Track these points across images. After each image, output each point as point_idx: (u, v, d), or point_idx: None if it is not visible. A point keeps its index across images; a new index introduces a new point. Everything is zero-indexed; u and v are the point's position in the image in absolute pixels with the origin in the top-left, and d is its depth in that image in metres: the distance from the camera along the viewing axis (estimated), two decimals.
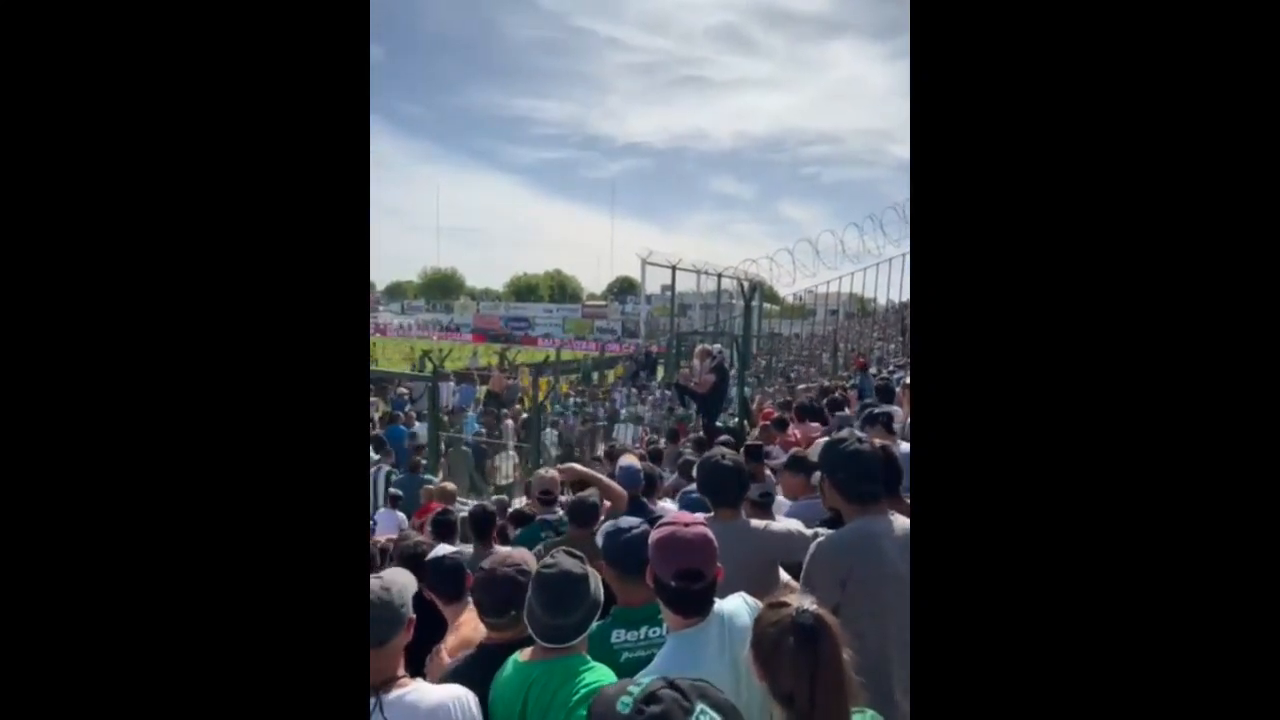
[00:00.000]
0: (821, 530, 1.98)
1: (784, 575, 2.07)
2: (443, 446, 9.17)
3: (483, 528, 3.61)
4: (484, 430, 10.17)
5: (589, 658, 1.52)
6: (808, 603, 1.13)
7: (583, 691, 1.41)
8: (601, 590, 1.60)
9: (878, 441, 2.18)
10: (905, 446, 3.28)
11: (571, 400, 12.85)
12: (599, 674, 1.46)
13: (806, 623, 1.09)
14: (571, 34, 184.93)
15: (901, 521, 1.78)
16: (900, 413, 4.51)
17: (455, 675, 1.67)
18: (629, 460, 3.63)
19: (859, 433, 1.94)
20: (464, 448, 9.46)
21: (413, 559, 2.94)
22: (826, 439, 2.01)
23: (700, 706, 0.88)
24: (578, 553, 1.61)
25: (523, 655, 1.55)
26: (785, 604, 1.14)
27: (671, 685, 0.89)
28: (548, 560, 1.58)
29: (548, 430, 10.31)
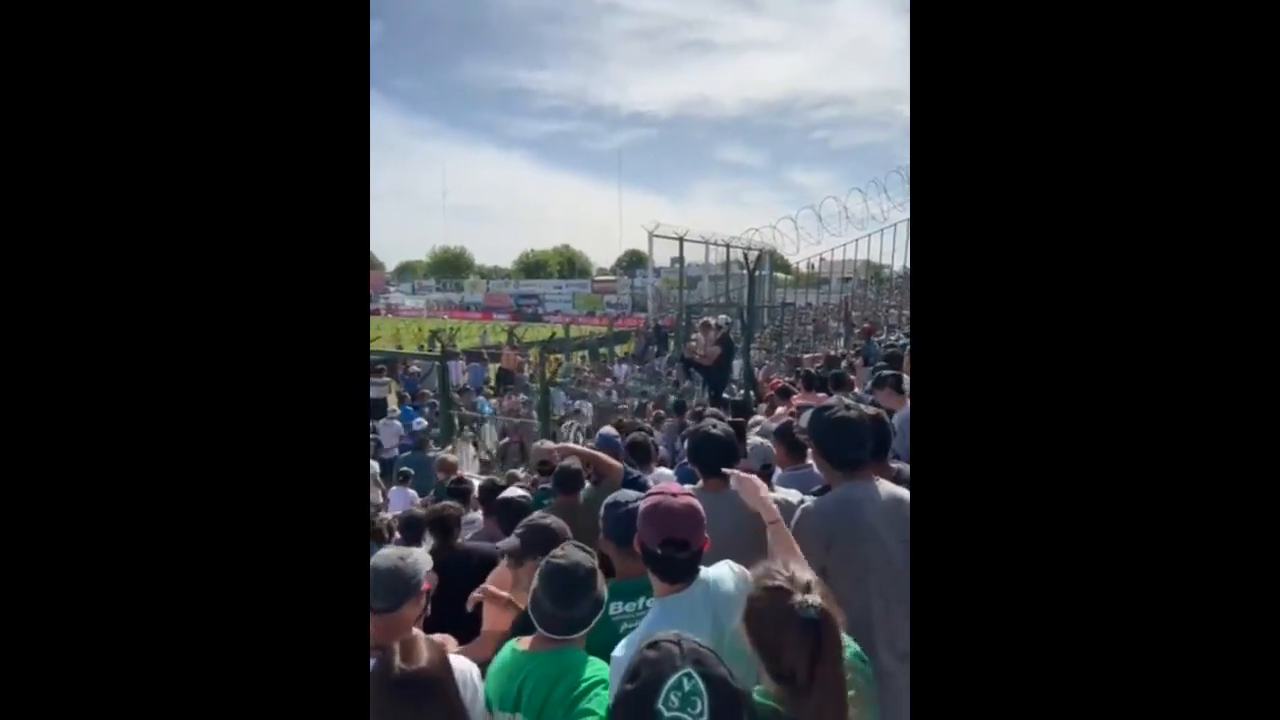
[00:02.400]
0: (809, 498, 2.01)
1: None
2: (456, 424, 9.30)
3: (492, 500, 3.73)
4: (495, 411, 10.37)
5: (587, 653, 1.52)
6: (813, 594, 1.11)
7: (584, 685, 1.41)
8: (605, 587, 1.61)
9: (870, 410, 2.19)
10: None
11: (562, 380, 12.89)
12: (596, 668, 1.47)
13: (811, 617, 1.08)
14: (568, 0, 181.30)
15: (886, 487, 1.80)
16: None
17: None
18: (606, 429, 3.90)
19: (846, 399, 1.95)
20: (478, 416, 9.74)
21: (440, 522, 3.00)
22: (814, 407, 2.03)
23: (687, 669, 0.94)
24: (587, 547, 1.64)
25: (521, 644, 1.56)
26: (783, 589, 1.12)
27: (678, 642, 0.97)
28: (558, 551, 1.59)
29: (579, 403, 10.51)
